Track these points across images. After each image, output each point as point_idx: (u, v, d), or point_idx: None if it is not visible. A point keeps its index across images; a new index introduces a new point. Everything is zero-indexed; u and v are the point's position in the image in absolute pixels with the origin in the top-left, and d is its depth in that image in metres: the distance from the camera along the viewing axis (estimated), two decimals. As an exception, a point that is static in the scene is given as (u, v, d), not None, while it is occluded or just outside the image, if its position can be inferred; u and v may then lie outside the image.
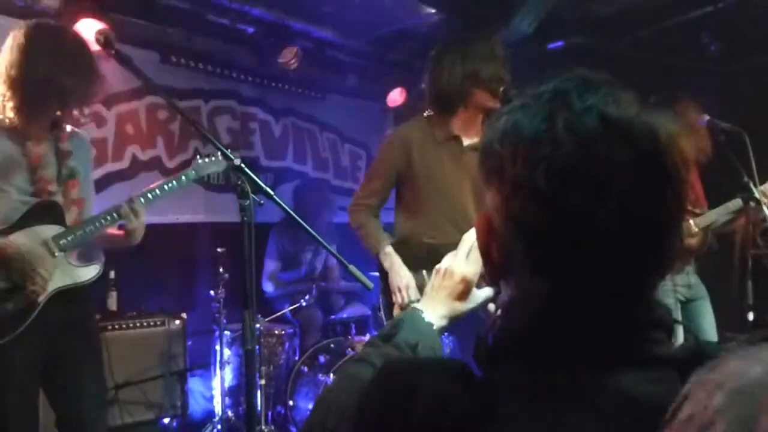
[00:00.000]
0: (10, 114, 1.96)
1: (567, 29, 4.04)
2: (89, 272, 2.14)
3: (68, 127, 2.16)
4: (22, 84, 1.94)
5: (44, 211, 2.04)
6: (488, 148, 0.69)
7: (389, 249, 2.35)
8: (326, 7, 3.85)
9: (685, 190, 0.66)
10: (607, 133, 0.62)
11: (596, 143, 0.62)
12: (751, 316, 2.83)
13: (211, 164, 2.35)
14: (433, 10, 3.96)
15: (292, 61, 3.86)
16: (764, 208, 2.74)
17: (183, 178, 2.24)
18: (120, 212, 2.09)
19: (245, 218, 1.59)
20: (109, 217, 2.10)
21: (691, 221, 3.07)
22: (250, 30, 3.78)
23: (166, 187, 2.20)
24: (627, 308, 0.65)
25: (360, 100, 5.11)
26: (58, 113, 2.04)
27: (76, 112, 2.10)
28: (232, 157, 1.65)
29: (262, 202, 1.65)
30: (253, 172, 1.66)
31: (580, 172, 0.62)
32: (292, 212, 1.75)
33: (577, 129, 0.63)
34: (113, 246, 2.25)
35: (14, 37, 1.98)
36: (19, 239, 1.97)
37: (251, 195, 1.61)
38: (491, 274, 0.77)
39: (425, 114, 2.44)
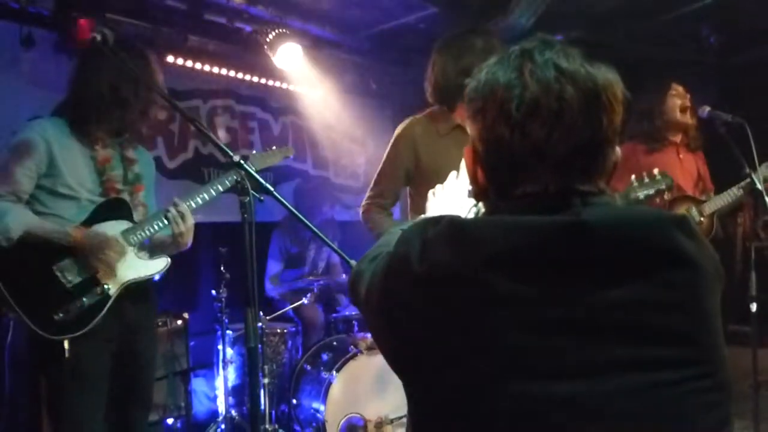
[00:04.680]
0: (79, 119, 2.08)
1: (566, 23, 4.03)
2: (159, 264, 2.20)
3: (134, 144, 2.27)
4: (87, 92, 2.07)
5: (113, 209, 2.12)
6: (473, 93, 0.93)
7: None
8: (324, 5, 3.83)
9: (617, 119, 0.88)
10: (559, 77, 0.85)
11: (552, 85, 0.85)
12: (754, 308, 2.83)
13: (270, 156, 2.48)
14: (432, 6, 3.94)
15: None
16: (766, 198, 2.73)
17: (230, 179, 2.22)
18: (167, 216, 2.15)
19: (246, 215, 1.59)
20: (165, 219, 2.15)
21: (694, 209, 3.06)
22: (248, 28, 3.77)
23: (212, 190, 2.24)
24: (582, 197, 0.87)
25: (359, 97, 5.09)
26: (122, 123, 2.14)
27: (138, 127, 2.19)
28: (232, 155, 1.64)
29: (262, 198, 1.65)
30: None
31: (542, 104, 0.85)
32: (292, 208, 1.74)
33: (539, 75, 0.86)
34: (162, 251, 2.28)
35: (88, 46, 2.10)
36: (90, 232, 2.04)
37: (251, 192, 1.61)
38: (476, 193, 1.00)
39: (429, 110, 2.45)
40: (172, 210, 2.14)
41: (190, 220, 2.17)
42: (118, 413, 2.17)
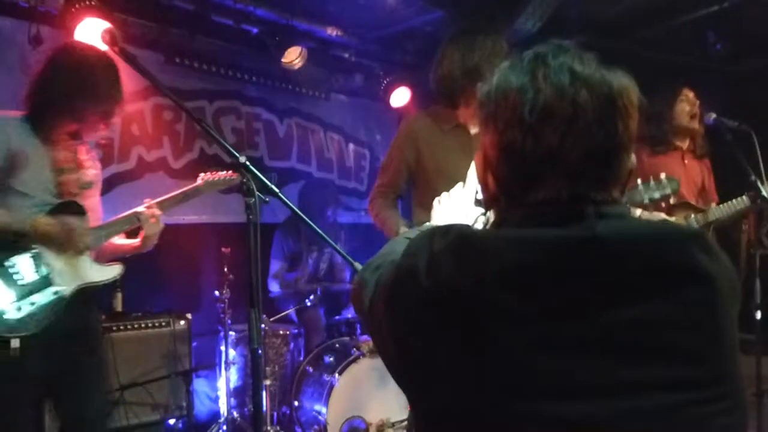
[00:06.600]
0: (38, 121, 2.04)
1: (572, 29, 4.03)
2: (112, 271, 2.15)
3: (88, 144, 2.23)
4: (41, 98, 2.03)
5: (70, 211, 2.06)
6: (485, 98, 0.90)
7: (404, 229, 2.38)
8: (330, 7, 3.84)
9: (633, 125, 0.86)
10: (574, 82, 0.83)
11: (566, 89, 0.82)
12: (759, 315, 2.82)
13: (220, 183, 2.47)
14: (438, 10, 3.95)
15: (297, 60, 3.86)
16: (772, 206, 2.72)
17: (192, 192, 2.35)
18: (140, 217, 2.15)
19: (251, 216, 1.59)
20: (125, 223, 2.14)
21: (692, 216, 3.04)
22: (254, 30, 3.77)
23: (176, 200, 2.31)
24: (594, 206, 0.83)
25: (364, 99, 5.10)
26: (75, 127, 2.10)
27: (96, 126, 2.15)
28: (238, 156, 1.65)
29: (267, 200, 1.65)
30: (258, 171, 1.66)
31: (556, 109, 0.82)
32: (297, 209, 1.75)
33: (553, 79, 0.83)
34: (123, 255, 2.27)
35: (50, 52, 2.09)
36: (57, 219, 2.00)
37: (257, 193, 1.61)
38: (487, 200, 0.96)
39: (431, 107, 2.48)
40: (146, 212, 2.15)
41: (161, 223, 2.18)
42: (71, 426, 2.12)
